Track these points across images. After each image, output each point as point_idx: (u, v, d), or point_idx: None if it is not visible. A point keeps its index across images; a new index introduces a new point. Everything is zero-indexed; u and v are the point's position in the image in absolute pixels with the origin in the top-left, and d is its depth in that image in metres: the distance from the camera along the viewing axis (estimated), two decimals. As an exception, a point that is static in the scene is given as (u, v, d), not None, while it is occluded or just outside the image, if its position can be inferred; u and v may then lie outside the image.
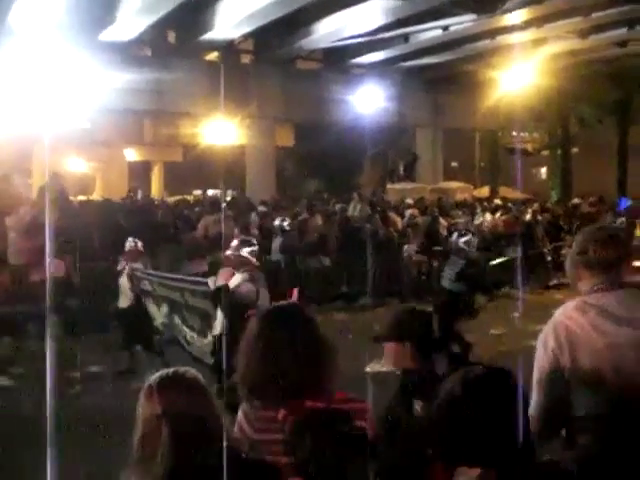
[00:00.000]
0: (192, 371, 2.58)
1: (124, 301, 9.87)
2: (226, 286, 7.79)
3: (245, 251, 8.26)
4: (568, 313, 3.31)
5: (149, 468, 2.37)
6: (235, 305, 7.36)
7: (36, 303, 8.52)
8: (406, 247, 17.15)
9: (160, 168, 38.25)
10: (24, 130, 19.29)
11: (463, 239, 11.33)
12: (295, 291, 2.27)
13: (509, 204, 22.59)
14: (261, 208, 19.67)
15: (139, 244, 9.91)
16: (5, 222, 14.01)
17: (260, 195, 23.24)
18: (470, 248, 11.33)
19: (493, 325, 12.72)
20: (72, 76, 18.41)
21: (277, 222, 16.27)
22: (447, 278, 11.10)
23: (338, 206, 20.50)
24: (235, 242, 8.60)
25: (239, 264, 8.15)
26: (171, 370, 2.55)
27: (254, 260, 8.33)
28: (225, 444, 2.34)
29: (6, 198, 15.90)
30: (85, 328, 11.41)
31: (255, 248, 8.42)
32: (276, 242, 15.89)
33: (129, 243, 9.87)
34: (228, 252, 8.48)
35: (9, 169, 20.46)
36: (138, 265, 9.76)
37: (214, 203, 19.69)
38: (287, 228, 15.98)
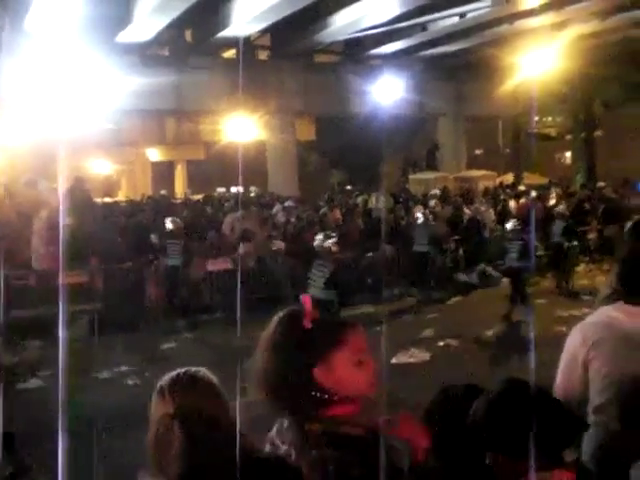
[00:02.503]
0: (204, 371, 2.57)
1: None
2: None
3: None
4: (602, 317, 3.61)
5: (163, 469, 2.36)
6: None
7: (62, 307, 8.60)
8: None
9: (183, 167, 38.44)
10: (48, 134, 19.40)
11: (330, 240, 10.14)
12: (308, 298, 2.19)
13: (532, 190, 22.43)
14: (288, 203, 19.66)
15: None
16: (31, 227, 14.16)
17: (282, 190, 23.30)
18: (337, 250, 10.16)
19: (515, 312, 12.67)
20: (92, 79, 18.54)
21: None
22: (314, 286, 9.91)
23: (360, 198, 20.50)
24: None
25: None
26: (183, 370, 2.54)
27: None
28: (239, 444, 2.32)
29: (32, 202, 16.06)
30: (111, 329, 11.49)
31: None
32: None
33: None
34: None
35: (35, 174, 20.64)
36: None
37: (240, 200, 19.78)
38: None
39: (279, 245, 15.42)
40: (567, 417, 2.44)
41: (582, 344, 3.50)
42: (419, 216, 16.06)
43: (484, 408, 2.45)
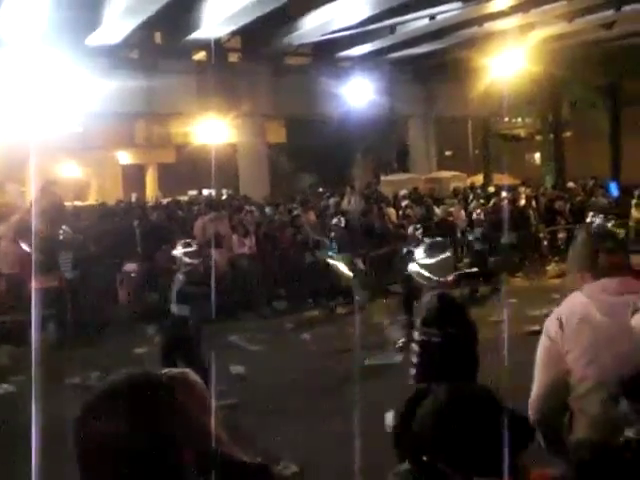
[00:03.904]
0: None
1: None
2: None
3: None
4: (573, 306, 3.60)
5: None
6: None
7: (32, 311, 8.54)
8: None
9: (154, 170, 38.26)
10: (17, 138, 19.25)
11: (185, 250, 9.10)
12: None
13: (502, 190, 22.60)
14: (269, 210, 19.56)
15: None
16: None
17: (254, 193, 23.26)
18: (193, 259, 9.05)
19: (492, 312, 12.75)
20: (61, 82, 18.43)
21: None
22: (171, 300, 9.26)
23: (332, 200, 20.53)
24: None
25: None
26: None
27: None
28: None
29: (1, 207, 15.93)
30: (81, 333, 11.44)
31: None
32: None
33: None
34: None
35: (3, 178, 20.48)
36: None
37: (209, 203, 19.70)
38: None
39: (251, 248, 15.44)
40: (515, 422, 2.41)
41: (558, 330, 3.52)
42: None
43: (430, 417, 2.40)
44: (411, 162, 30.80)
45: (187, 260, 8.98)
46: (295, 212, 18.18)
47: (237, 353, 11.37)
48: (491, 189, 24.88)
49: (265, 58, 25.32)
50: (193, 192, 32.68)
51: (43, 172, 21.51)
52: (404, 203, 19.84)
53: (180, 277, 8.97)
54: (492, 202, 20.52)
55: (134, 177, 36.77)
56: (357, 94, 25.33)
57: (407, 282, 12.31)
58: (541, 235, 19.43)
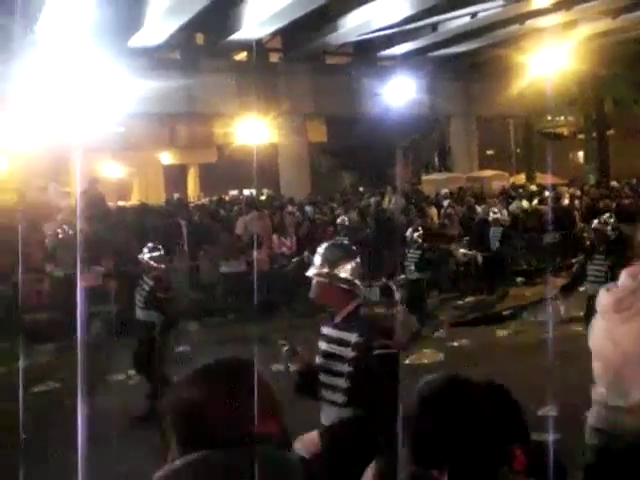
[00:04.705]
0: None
1: None
2: None
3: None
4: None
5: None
6: None
7: (76, 310, 8.63)
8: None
9: (195, 170, 38.50)
10: (60, 139, 19.51)
11: (151, 254, 8.81)
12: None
13: (545, 190, 22.38)
14: (309, 209, 19.62)
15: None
16: (43, 231, 14.22)
17: (295, 192, 23.31)
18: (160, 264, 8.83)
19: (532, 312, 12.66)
20: (103, 83, 18.61)
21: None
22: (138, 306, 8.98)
23: (373, 199, 20.49)
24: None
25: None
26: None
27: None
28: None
29: (44, 208, 16.15)
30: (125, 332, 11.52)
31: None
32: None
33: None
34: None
35: (47, 179, 20.77)
36: None
37: (251, 203, 19.78)
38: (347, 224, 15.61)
39: (291, 248, 15.47)
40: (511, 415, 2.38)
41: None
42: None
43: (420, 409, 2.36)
44: (452, 161, 30.62)
45: (154, 264, 8.74)
46: (336, 211, 18.19)
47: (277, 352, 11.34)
48: (533, 188, 24.63)
49: (305, 58, 25.36)
50: (234, 192, 32.84)
51: (86, 173, 21.75)
52: (445, 202, 19.73)
53: (148, 282, 8.71)
54: (534, 201, 20.36)
55: (176, 177, 37.04)
56: (398, 93, 25.24)
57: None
58: (585, 235, 19.19)
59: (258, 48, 24.89)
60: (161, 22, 20.14)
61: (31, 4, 17.99)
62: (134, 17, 20.17)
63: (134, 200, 28.61)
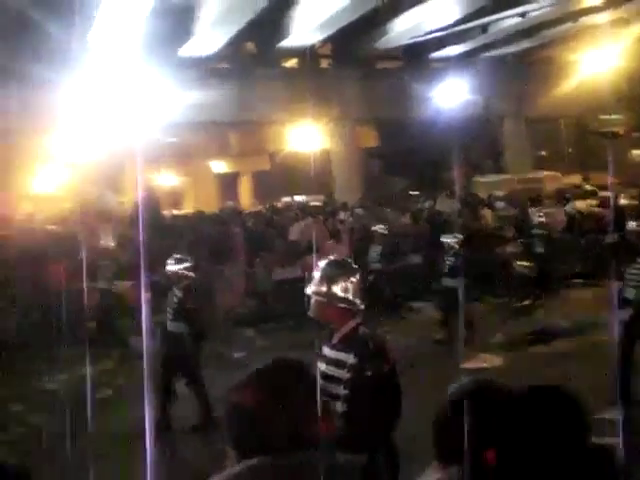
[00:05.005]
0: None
1: None
2: None
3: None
4: None
5: None
6: None
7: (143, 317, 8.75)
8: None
9: (248, 178, 38.64)
10: (114, 149, 19.84)
11: (182, 265, 8.86)
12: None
13: (598, 190, 22.03)
14: (358, 211, 19.65)
15: None
16: (99, 240, 14.43)
17: (347, 197, 23.32)
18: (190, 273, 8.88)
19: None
20: (155, 93, 18.84)
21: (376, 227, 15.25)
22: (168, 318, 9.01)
23: (427, 203, 20.41)
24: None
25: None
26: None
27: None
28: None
29: (98, 217, 16.40)
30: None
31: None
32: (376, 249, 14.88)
33: None
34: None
35: (102, 188, 21.13)
36: None
37: (304, 209, 19.85)
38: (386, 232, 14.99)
39: (345, 252, 15.45)
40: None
41: None
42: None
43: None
44: (505, 162, 30.35)
45: (185, 273, 8.75)
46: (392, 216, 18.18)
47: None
48: (588, 187, 24.29)
49: (356, 62, 25.38)
50: (286, 199, 32.94)
51: (140, 182, 22.02)
52: (499, 204, 19.58)
53: (177, 293, 8.73)
54: (590, 201, 20.08)
55: (228, 185, 37.21)
56: (449, 95, 25.11)
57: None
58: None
59: (308, 54, 24.98)
60: (212, 32, 20.34)
61: (84, 15, 18.30)
62: (185, 27, 20.40)
63: (187, 208, 28.86)
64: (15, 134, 20.96)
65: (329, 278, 4.29)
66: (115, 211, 19.45)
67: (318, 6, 19.74)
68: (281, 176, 33.12)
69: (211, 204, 28.10)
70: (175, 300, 8.71)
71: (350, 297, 4.26)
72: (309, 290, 4.36)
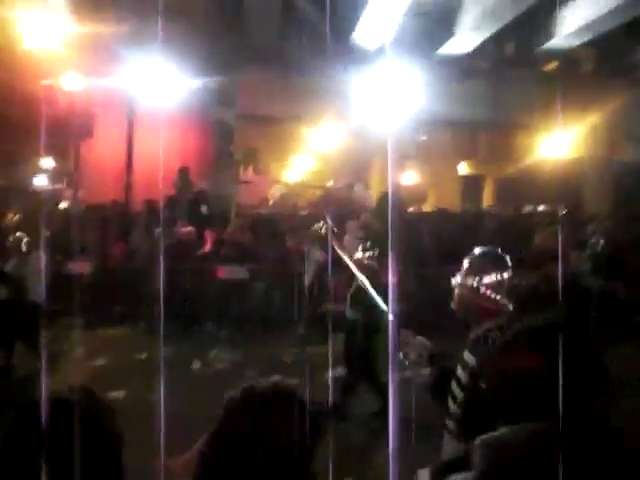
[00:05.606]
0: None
1: None
2: None
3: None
4: None
5: None
6: None
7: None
8: None
9: (492, 182, 38.11)
10: (363, 143, 20.30)
11: (366, 253, 9.36)
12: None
13: None
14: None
15: None
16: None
17: (595, 210, 22.54)
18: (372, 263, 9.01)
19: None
20: (412, 90, 19.00)
21: None
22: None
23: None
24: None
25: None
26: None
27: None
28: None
29: (348, 205, 16.80)
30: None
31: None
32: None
33: None
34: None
35: (350, 179, 21.70)
36: None
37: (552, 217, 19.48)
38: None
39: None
40: None
41: None
42: None
43: None
44: None
45: (367, 263, 8.73)
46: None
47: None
48: None
49: (623, 71, 24.21)
50: (529, 207, 32.16)
51: (385, 176, 22.37)
52: None
53: (357, 281, 8.69)
54: None
55: (471, 188, 36.89)
56: None
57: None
58: None
59: (569, 59, 24.24)
60: (472, 31, 20.22)
61: (348, 15, 18.83)
62: (447, 26, 20.44)
63: (427, 208, 28.89)
64: (276, 122, 21.85)
65: (476, 271, 4.01)
66: (366, 202, 19.87)
67: (582, 9, 19.09)
68: (526, 183, 32.41)
69: (452, 206, 28.05)
70: (354, 288, 8.91)
71: (494, 295, 3.96)
72: (453, 281, 4.13)
